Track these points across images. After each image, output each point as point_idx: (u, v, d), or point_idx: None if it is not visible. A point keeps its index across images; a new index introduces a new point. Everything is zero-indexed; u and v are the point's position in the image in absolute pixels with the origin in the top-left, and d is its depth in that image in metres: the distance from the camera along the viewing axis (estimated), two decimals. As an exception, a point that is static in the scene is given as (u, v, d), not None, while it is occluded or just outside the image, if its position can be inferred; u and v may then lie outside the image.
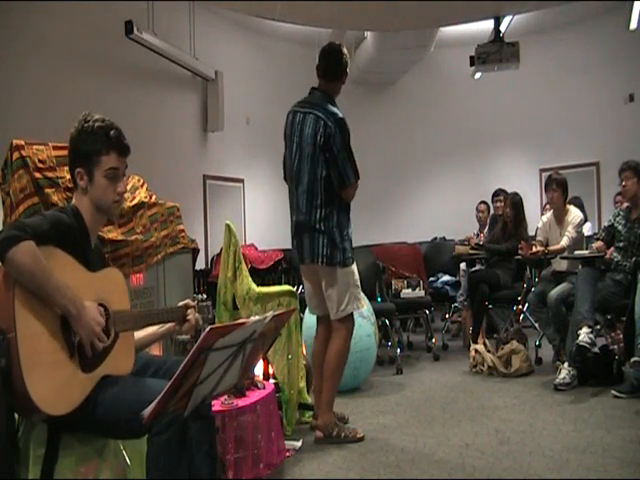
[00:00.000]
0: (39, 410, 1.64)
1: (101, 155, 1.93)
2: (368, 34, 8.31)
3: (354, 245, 3.45)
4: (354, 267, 3.39)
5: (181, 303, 2.19)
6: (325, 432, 3.29)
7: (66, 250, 1.81)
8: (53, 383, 1.68)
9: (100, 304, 1.87)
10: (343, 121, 3.26)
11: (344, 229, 3.32)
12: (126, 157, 2.01)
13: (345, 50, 3.45)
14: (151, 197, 3.54)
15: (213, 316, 2.91)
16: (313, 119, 3.28)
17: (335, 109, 3.31)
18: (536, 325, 5.21)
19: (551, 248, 4.80)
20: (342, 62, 3.41)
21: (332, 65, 3.41)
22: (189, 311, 2.17)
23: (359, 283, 3.42)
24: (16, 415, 1.76)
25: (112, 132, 1.95)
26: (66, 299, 1.71)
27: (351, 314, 3.39)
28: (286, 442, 3.11)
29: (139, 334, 2.11)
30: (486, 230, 6.59)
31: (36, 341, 1.66)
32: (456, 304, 6.28)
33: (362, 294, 3.51)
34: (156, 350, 3.24)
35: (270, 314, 1.78)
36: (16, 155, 2.61)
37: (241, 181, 8.28)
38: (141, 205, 3.38)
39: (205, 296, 2.30)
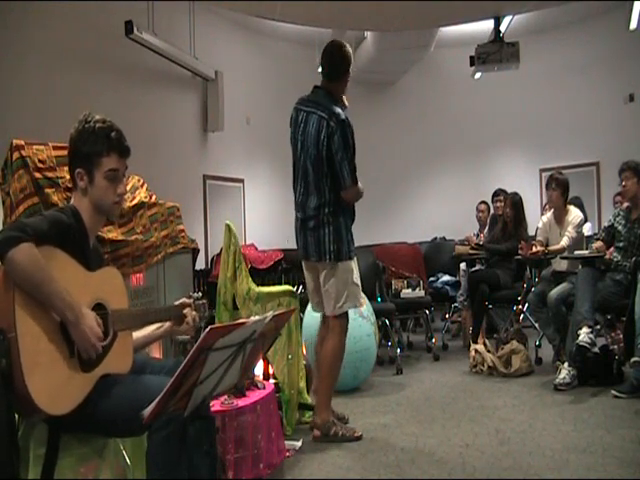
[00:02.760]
0: (39, 410, 1.64)
1: (101, 156, 1.93)
2: (368, 34, 8.31)
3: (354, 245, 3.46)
4: (354, 265, 3.41)
5: (177, 302, 2.19)
6: (322, 430, 3.30)
7: (65, 250, 1.80)
8: (53, 383, 1.68)
9: (99, 303, 1.87)
10: (345, 123, 3.27)
11: (349, 224, 3.40)
12: (126, 159, 2.01)
13: (348, 49, 3.42)
14: (151, 197, 3.54)
15: (210, 314, 2.90)
16: (317, 118, 3.31)
17: (338, 109, 3.32)
18: (536, 325, 5.21)
19: (551, 248, 4.80)
20: (343, 62, 3.39)
21: (333, 65, 3.41)
22: (186, 310, 2.17)
23: (359, 282, 3.43)
24: (16, 415, 1.76)
25: (113, 133, 1.95)
26: (64, 304, 1.70)
27: (346, 312, 3.39)
28: (286, 442, 3.11)
29: (137, 334, 2.11)
30: (486, 230, 6.59)
31: (36, 341, 1.66)
32: (456, 304, 6.27)
33: (362, 293, 3.51)
34: (156, 351, 3.25)
35: (270, 314, 1.78)
36: (16, 155, 2.61)
37: (241, 181, 8.28)
38: (141, 205, 3.38)
39: (201, 294, 2.29)
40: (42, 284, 1.66)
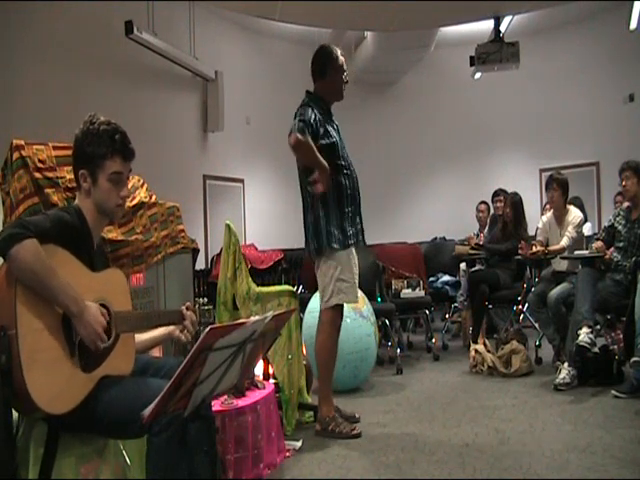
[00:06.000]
0: (38, 408, 1.64)
1: (105, 159, 1.93)
2: (368, 34, 8.31)
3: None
4: (343, 259, 3.34)
5: (183, 307, 2.19)
6: (322, 425, 3.35)
7: (69, 249, 1.81)
8: (53, 382, 1.69)
9: (102, 304, 1.87)
10: (302, 104, 3.37)
11: (333, 218, 3.32)
12: (130, 162, 2.00)
13: (329, 49, 3.49)
14: (151, 197, 3.54)
15: (214, 320, 2.90)
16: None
17: (305, 104, 3.37)
18: (536, 325, 5.21)
19: (551, 248, 4.80)
20: (320, 61, 3.47)
21: (313, 64, 3.51)
22: (188, 312, 2.16)
23: (350, 277, 3.34)
24: (16, 414, 1.76)
25: (117, 136, 1.94)
26: (68, 298, 1.71)
27: (339, 310, 3.38)
28: (286, 442, 3.12)
29: (139, 337, 2.11)
30: (486, 230, 6.59)
31: (37, 339, 1.67)
32: (456, 304, 6.27)
33: (355, 289, 3.41)
34: (156, 350, 3.24)
35: (270, 314, 1.77)
36: (16, 155, 2.61)
37: (241, 181, 8.28)
38: (141, 205, 3.37)
39: (207, 300, 2.28)
40: (45, 279, 1.67)
